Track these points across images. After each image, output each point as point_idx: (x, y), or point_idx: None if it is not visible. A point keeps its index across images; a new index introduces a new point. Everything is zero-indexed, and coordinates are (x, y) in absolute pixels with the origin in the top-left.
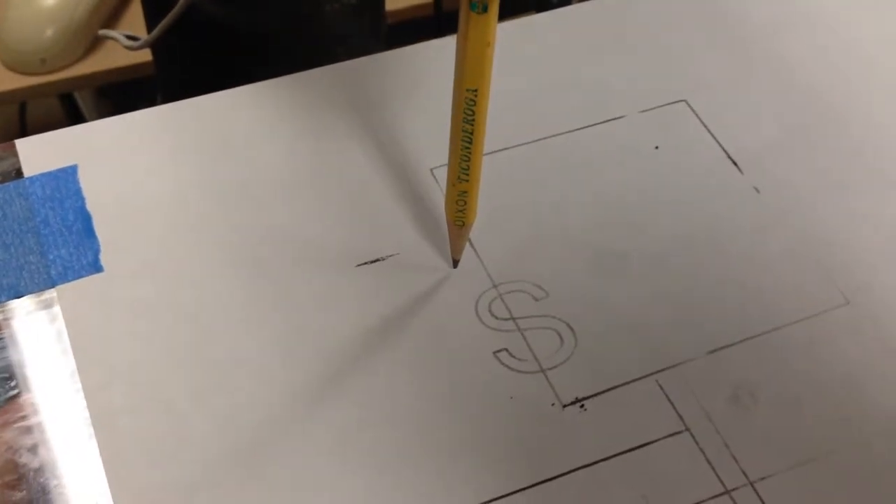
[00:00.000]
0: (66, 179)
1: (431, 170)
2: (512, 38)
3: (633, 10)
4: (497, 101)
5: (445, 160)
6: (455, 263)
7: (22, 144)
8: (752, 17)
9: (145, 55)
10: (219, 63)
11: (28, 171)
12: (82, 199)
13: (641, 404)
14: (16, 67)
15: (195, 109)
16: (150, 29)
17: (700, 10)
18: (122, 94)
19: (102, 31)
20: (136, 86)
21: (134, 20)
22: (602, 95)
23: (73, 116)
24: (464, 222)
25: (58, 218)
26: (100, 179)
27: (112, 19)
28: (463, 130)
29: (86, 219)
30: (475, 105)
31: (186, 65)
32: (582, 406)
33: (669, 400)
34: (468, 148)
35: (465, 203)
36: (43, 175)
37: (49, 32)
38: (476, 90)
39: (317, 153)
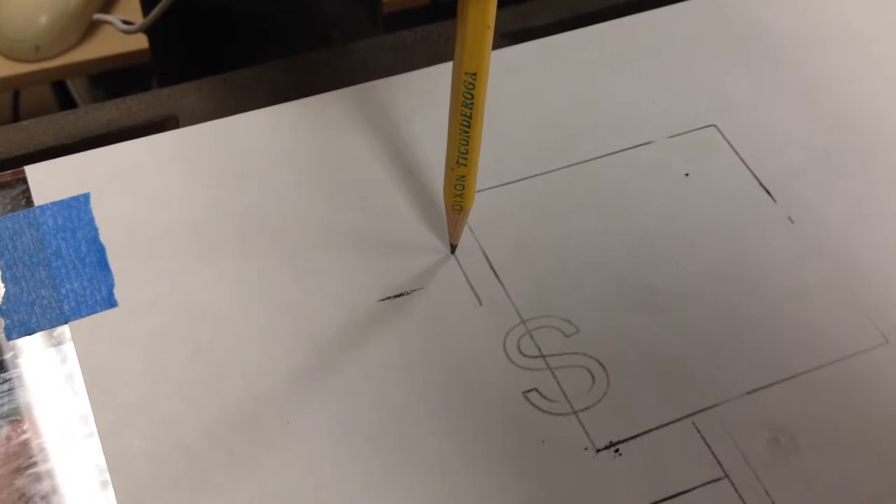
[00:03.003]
0: (78, 208)
1: None
2: (537, 59)
3: (660, 30)
4: (521, 127)
5: None
6: (453, 249)
7: (32, 171)
8: (782, 39)
9: (139, 43)
10: (214, 47)
11: (38, 200)
12: (95, 229)
13: (678, 449)
14: (9, 55)
15: (209, 133)
16: (145, 15)
17: (728, 31)
18: (115, 81)
19: (97, 16)
20: (128, 73)
21: (128, 7)
22: (630, 119)
23: (65, 103)
24: (462, 207)
25: (70, 249)
26: (112, 207)
27: (106, 6)
28: (462, 114)
29: (99, 250)
30: (474, 89)
31: (182, 49)
32: (616, 451)
33: (707, 444)
34: (466, 132)
35: (464, 188)
36: (54, 204)
37: (43, 20)
38: (475, 74)
39: (335, 177)
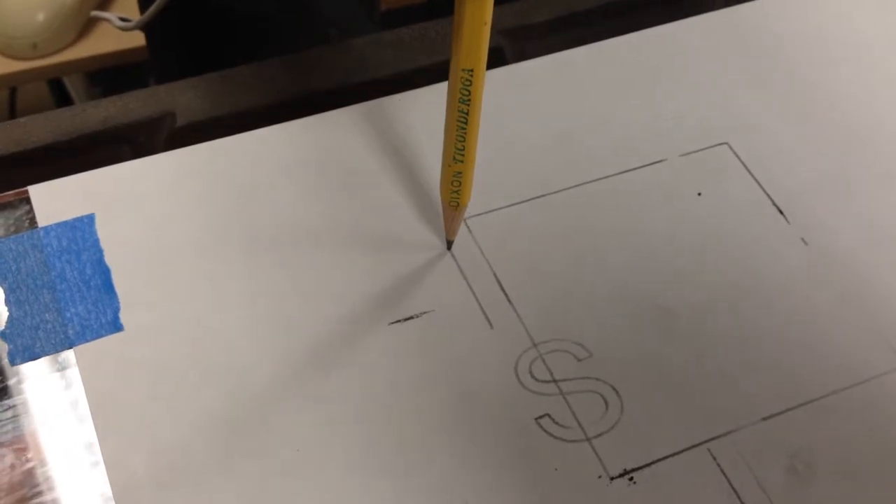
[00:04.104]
0: (82, 229)
1: (465, 220)
2: (547, 75)
3: (672, 46)
4: (532, 144)
5: (481, 209)
6: (449, 245)
7: (35, 191)
8: (795, 56)
9: (137, 40)
10: (211, 45)
11: (42, 220)
12: (100, 251)
13: (693, 476)
14: (6, 52)
15: (214, 151)
16: (143, 12)
17: (740, 47)
18: (112, 79)
19: (95, 13)
20: (126, 71)
21: (125, 4)
22: (642, 137)
23: (63, 101)
24: (458, 203)
25: (75, 272)
26: (118, 228)
27: (104, 3)
28: (458, 111)
29: (104, 272)
30: (471, 85)
31: (179, 47)
32: (631, 479)
33: (723, 471)
34: (463, 128)
35: (460, 184)
36: (58, 225)
37: (40, 17)
38: (472, 70)
39: (343, 196)
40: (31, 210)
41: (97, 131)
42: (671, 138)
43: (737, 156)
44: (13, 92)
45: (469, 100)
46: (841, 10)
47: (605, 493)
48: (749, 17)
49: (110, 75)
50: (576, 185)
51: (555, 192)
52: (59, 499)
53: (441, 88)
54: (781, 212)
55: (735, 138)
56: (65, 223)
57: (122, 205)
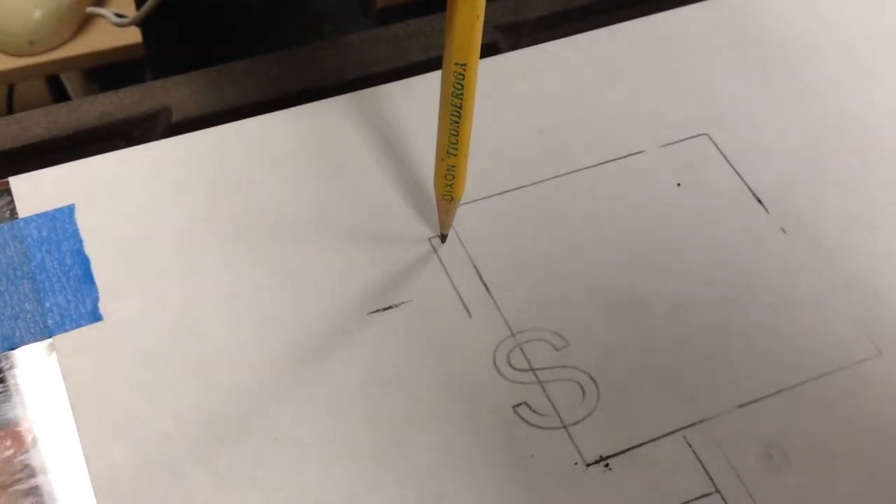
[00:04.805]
0: (62, 220)
1: None
2: (527, 67)
3: (653, 38)
4: (511, 136)
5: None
6: (443, 238)
7: (16, 182)
8: (775, 47)
9: (133, 37)
10: (208, 41)
11: (23, 211)
12: (80, 241)
13: (669, 463)
14: (4, 49)
15: (198, 143)
16: (139, 8)
17: (721, 39)
18: (109, 75)
19: (90, 9)
20: (123, 67)
21: (121, 1)
22: (621, 128)
23: (60, 98)
24: (452, 197)
25: (55, 262)
26: (98, 219)
27: (100, 0)
28: (452, 105)
29: (84, 263)
30: (464, 79)
31: (175, 44)
32: (607, 465)
33: (698, 458)
34: (457, 122)
35: (454, 177)
36: (39, 216)
37: (37, 14)
38: (465, 64)
39: (326, 189)
40: (11, 201)
41: (93, 127)
42: (651, 129)
43: (716, 146)
44: (10, 89)
45: (462, 94)
46: (824, 3)
47: (581, 479)
48: (730, 8)
49: (107, 72)
50: (555, 176)
51: (534, 183)
52: (39, 487)
53: (429, 79)
54: (760, 202)
55: (715, 129)
56: (45, 214)
57: (103, 196)
